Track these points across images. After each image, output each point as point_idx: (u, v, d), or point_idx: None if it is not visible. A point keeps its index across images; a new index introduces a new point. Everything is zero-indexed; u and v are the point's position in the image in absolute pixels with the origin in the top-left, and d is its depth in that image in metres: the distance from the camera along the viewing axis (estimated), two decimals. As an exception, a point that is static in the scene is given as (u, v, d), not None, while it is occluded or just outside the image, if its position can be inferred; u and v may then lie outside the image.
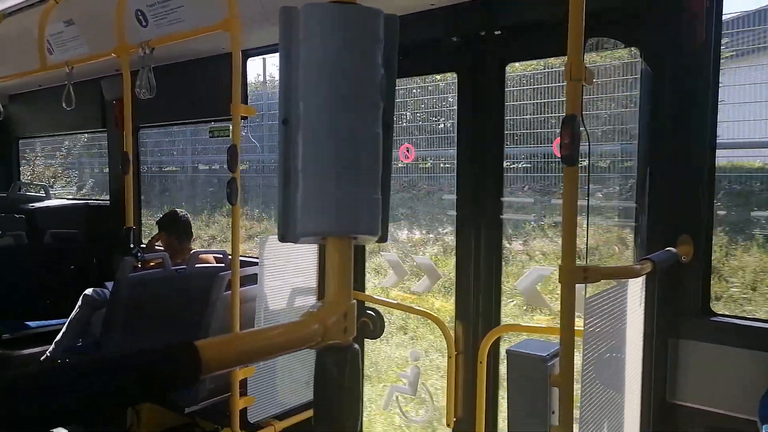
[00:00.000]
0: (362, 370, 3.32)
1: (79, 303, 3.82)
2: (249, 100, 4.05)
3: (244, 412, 2.80)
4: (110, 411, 0.70)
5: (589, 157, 1.71)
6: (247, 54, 3.45)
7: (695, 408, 2.19)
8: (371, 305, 3.12)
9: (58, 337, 3.79)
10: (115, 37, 3.20)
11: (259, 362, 2.69)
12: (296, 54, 0.88)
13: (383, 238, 0.97)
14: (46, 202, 5.32)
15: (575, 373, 1.59)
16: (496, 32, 2.62)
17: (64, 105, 3.66)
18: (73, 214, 5.05)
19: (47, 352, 3.83)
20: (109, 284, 3.66)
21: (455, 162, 2.87)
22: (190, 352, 0.73)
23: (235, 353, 0.81)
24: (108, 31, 3.28)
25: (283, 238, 0.93)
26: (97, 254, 4.69)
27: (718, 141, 2.22)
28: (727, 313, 2.43)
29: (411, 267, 4.34)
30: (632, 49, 2.36)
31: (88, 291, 3.84)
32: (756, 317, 2.40)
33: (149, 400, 2.66)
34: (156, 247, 4.06)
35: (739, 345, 2.10)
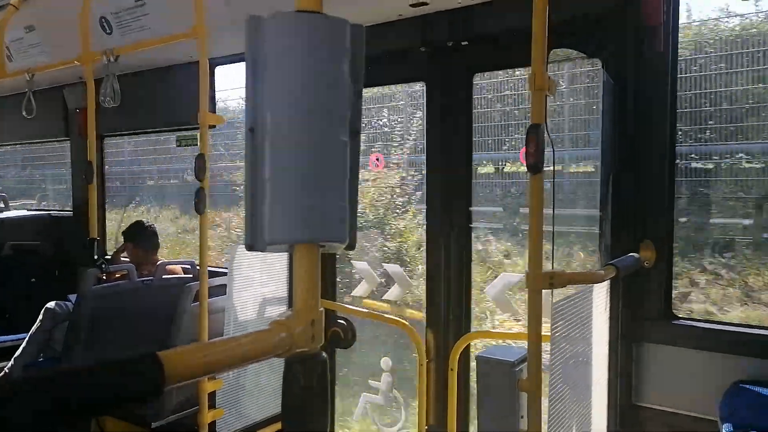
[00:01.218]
0: (330, 379, 3.30)
1: (41, 317, 3.70)
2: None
3: (213, 425, 2.75)
4: (70, 425, 0.68)
5: (554, 165, 1.75)
6: (215, 62, 3.42)
7: (659, 409, 2.24)
8: (343, 315, 3.11)
9: (18, 352, 3.66)
10: (79, 45, 3.13)
11: (226, 372, 2.65)
12: (262, 62, 0.88)
13: (351, 246, 0.97)
14: (5, 213, 5.15)
15: (543, 378, 1.61)
16: (464, 43, 2.67)
17: (24, 114, 3.56)
18: (34, 226, 4.90)
19: (6, 369, 3.69)
20: (73, 297, 3.56)
21: (424, 171, 2.89)
22: (152, 363, 0.72)
23: (200, 364, 0.80)
24: (71, 38, 3.21)
25: (250, 247, 0.93)
26: (59, 266, 4.56)
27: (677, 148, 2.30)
28: (688, 316, 2.50)
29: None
30: (594, 60, 2.42)
31: (50, 304, 3.72)
32: (716, 321, 2.48)
33: (110, 413, 2.59)
34: (122, 259, 3.96)
35: (700, 347, 2.16)
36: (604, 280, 1.90)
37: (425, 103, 2.88)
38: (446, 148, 2.76)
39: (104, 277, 3.41)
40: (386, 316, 3.19)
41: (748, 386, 1.99)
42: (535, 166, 1.56)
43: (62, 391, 0.66)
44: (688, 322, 2.27)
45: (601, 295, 2.09)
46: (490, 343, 2.99)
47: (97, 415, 2.79)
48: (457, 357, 2.60)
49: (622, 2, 2.26)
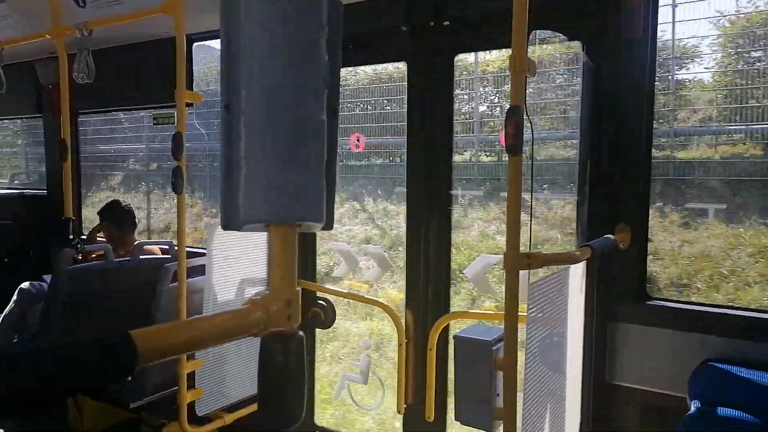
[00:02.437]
0: (310, 359, 3.30)
1: (15, 297, 3.64)
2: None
3: (192, 405, 2.75)
4: (43, 404, 0.67)
5: (532, 147, 1.76)
6: (192, 39, 3.35)
7: (632, 387, 2.30)
8: (323, 295, 3.12)
9: (-9, 333, 3.61)
10: (50, 18, 3.04)
11: (200, 350, 2.65)
12: (237, 38, 0.86)
13: (329, 226, 0.96)
14: None
15: (519, 357, 1.64)
16: (445, 23, 2.65)
17: None
18: (6, 205, 4.79)
19: (-21, 350, 3.64)
20: (47, 277, 3.50)
21: (405, 152, 2.89)
22: (124, 342, 0.71)
23: (174, 342, 0.79)
24: (42, 11, 3.11)
25: (226, 226, 0.92)
26: (33, 246, 4.47)
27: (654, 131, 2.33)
28: (661, 296, 2.56)
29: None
30: (574, 42, 2.43)
31: (24, 285, 3.67)
32: (688, 301, 2.54)
33: (86, 393, 2.57)
34: (98, 239, 3.91)
35: (671, 327, 2.22)
36: (579, 261, 1.93)
37: (407, 84, 2.86)
38: (427, 129, 2.75)
39: (80, 257, 3.36)
40: (366, 296, 3.21)
41: (716, 364, 2.05)
42: (513, 148, 1.57)
43: (31, 371, 0.65)
44: (661, 302, 2.33)
45: (577, 276, 2.12)
46: (469, 323, 3.02)
47: (69, 394, 2.77)
48: (436, 337, 2.62)
49: None
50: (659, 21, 2.29)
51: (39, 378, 0.66)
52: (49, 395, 0.66)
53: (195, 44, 3.43)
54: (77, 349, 0.72)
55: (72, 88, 3.10)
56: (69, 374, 0.69)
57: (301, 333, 0.92)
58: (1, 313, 3.63)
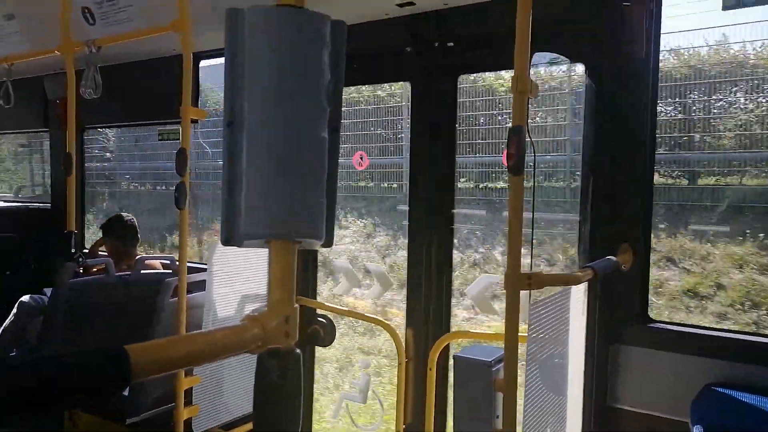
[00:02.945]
0: (309, 377, 3.27)
1: (15, 310, 3.63)
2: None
3: (189, 422, 2.72)
4: (38, 416, 0.66)
5: (534, 167, 1.76)
6: (199, 56, 3.39)
7: (633, 411, 2.27)
8: (323, 312, 3.10)
9: (-9, 346, 3.59)
10: (60, 34, 3.08)
11: (197, 366, 2.63)
12: (241, 56, 0.88)
13: (328, 243, 0.97)
14: None
15: (519, 378, 1.62)
16: (449, 44, 2.68)
17: (1, 102, 3.50)
18: (9, 217, 4.80)
19: (-22, 363, 3.62)
20: (48, 291, 3.50)
21: (408, 171, 2.90)
22: (119, 356, 0.71)
23: (169, 358, 0.79)
24: (52, 28, 3.15)
25: (227, 242, 0.92)
26: (35, 259, 4.48)
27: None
28: (664, 319, 2.54)
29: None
30: (577, 64, 2.45)
31: (25, 298, 3.66)
32: (690, 324, 2.52)
33: (79, 406, 2.55)
34: (99, 253, 3.91)
35: (674, 350, 2.20)
36: (581, 282, 1.92)
37: (410, 103, 2.88)
38: (431, 148, 2.77)
39: (81, 271, 3.36)
40: (366, 314, 3.19)
41: (719, 389, 2.02)
42: (516, 168, 1.57)
43: (27, 382, 0.65)
44: (664, 325, 2.31)
45: (578, 297, 2.11)
46: (471, 343, 3.00)
47: (63, 407, 2.75)
48: (436, 357, 2.60)
49: (605, 8, 2.28)
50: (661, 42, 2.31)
51: (34, 390, 0.66)
52: (44, 407, 0.65)
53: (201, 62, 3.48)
54: (72, 362, 0.71)
55: (79, 104, 3.13)
56: (64, 387, 0.68)
57: (298, 350, 0.92)
58: (1, 325, 3.62)
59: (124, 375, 0.71)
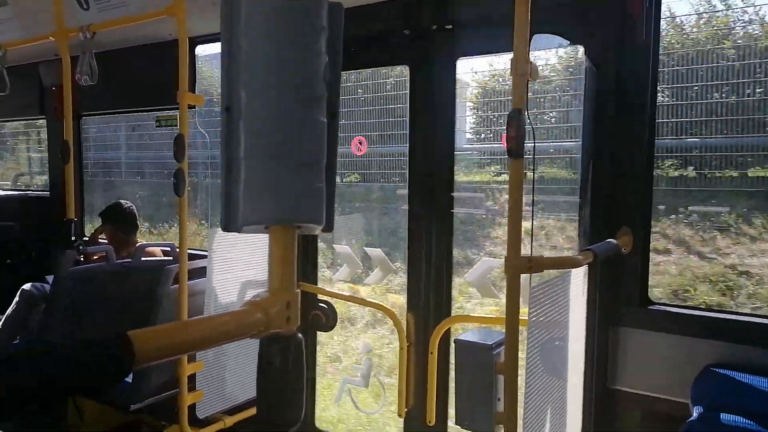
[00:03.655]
0: (310, 362, 3.29)
1: (16, 299, 3.64)
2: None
3: (192, 408, 2.74)
4: (42, 405, 0.67)
5: (534, 151, 1.75)
6: (195, 41, 3.36)
7: (634, 393, 2.29)
8: (324, 297, 3.11)
9: (-7, 334, 3.61)
10: (54, 20, 3.05)
11: (201, 352, 2.64)
12: (237, 41, 0.86)
13: (329, 228, 0.96)
14: None
15: (520, 361, 1.63)
16: (447, 27, 2.65)
17: None
18: (8, 206, 4.80)
19: (-20, 351, 3.64)
20: (50, 278, 3.51)
21: (407, 155, 2.89)
22: (122, 343, 0.71)
23: (172, 343, 0.79)
24: (46, 14, 3.12)
25: (226, 228, 0.92)
26: (35, 248, 4.48)
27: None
28: (664, 301, 2.55)
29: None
30: (577, 46, 2.43)
31: (26, 286, 3.67)
32: (690, 306, 2.53)
33: (82, 393, 2.57)
34: (100, 240, 3.91)
35: (674, 332, 2.21)
36: (581, 265, 1.93)
37: (409, 87, 2.86)
38: (430, 133, 2.75)
39: (82, 259, 3.36)
40: (367, 300, 3.20)
41: (718, 370, 2.04)
42: (515, 151, 1.57)
43: (30, 371, 0.65)
44: (663, 307, 2.32)
45: (578, 280, 2.11)
46: (471, 327, 3.02)
47: (68, 395, 2.77)
48: (437, 341, 2.62)
49: None
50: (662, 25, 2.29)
51: (38, 378, 0.66)
52: (47, 396, 0.66)
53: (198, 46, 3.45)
54: (76, 349, 0.72)
55: (75, 90, 3.11)
56: (67, 375, 0.68)
57: (300, 335, 0.92)
58: (3, 314, 3.63)
59: (128, 361, 0.71)
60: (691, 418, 1.87)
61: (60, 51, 3.09)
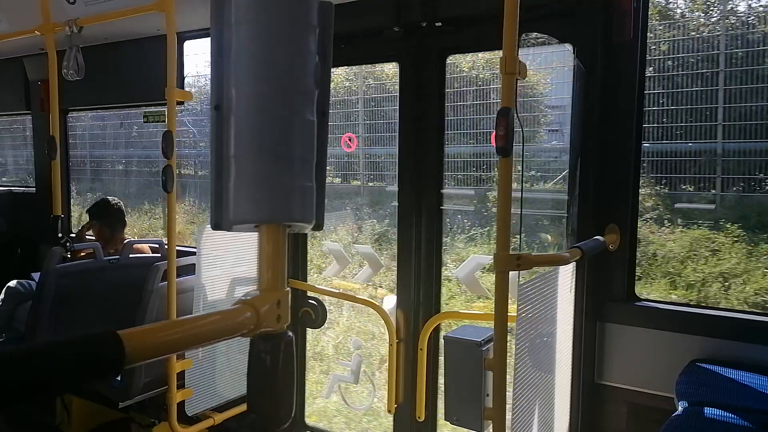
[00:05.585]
0: (300, 359, 3.29)
1: (2, 296, 3.60)
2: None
3: (181, 405, 2.74)
4: (30, 404, 0.66)
5: (522, 149, 1.76)
6: (184, 37, 3.33)
7: (620, 387, 2.32)
8: (313, 295, 3.11)
9: (-22, 332, 3.57)
10: (40, 14, 3.01)
11: (189, 350, 2.63)
12: (227, 38, 0.86)
13: (319, 226, 0.97)
14: None
15: (509, 357, 1.65)
16: (437, 24, 2.65)
17: None
18: None
19: (-34, 349, 3.59)
20: (36, 275, 3.47)
21: (397, 152, 2.89)
22: (111, 341, 0.71)
23: (161, 342, 0.79)
24: (32, 8, 3.08)
25: (216, 226, 0.92)
26: (21, 244, 4.43)
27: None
28: (650, 297, 2.58)
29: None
30: (565, 45, 2.44)
31: (12, 283, 3.63)
32: (676, 302, 2.57)
33: (74, 392, 2.55)
34: (87, 237, 3.88)
35: (659, 328, 2.24)
36: (569, 262, 1.94)
37: (399, 84, 2.86)
38: (419, 129, 2.76)
39: (69, 256, 3.33)
40: (357, 296, 3.21)
41: (703, 365, 2.07)
42: (504, 150, 1.58)
43: (18, 369, 0.65)
44: (649, 303, 2.34)
45: (566, 276, 2.13)
46: (461, 323, 3.03)
47: (56, 393, 2.75)
48: (427, 337, 2.63)
49: None
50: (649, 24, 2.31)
51: (26, 376, 0.66)
52: (36, 393, 0.65)
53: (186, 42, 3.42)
54: (64, 347, 0.71)
55: (61, 85, 3.07)
56: (56, 372, 0.68)
57: (290, 333, 0.92)
58: (-11, 311, 3.60)
59: (118, 360, 0.71)
60: (676, 413, 1.89)
61: (46, 45, 3.05)
